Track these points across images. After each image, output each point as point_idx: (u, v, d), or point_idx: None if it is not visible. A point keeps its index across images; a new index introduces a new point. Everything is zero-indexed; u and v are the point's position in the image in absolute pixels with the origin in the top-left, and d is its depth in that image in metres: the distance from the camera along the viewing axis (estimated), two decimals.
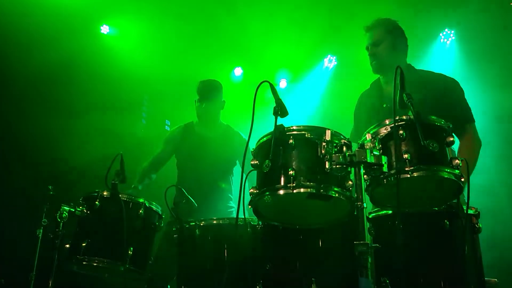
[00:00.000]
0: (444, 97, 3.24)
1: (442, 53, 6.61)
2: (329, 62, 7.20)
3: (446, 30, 6.59)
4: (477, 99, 5.75)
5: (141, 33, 6.49)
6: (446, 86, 3.34)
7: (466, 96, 3.36)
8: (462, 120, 3.25)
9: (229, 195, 4.31)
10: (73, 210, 2.90)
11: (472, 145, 3.23)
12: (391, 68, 3.40)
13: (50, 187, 3.40)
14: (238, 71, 7.27)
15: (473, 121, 3.31)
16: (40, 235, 3.24)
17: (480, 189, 4.67)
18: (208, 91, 4.25)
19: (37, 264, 3.19)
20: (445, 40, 6.63)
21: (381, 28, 3.55)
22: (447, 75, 3.48)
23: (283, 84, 7.12)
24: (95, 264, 2.88)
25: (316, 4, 6.12)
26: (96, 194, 2.99)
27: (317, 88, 7.04)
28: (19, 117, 5.22)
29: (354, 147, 2.26)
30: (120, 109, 6.12)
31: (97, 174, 3.36)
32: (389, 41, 3.53)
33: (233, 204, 4.26)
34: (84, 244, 2.88)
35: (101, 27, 6.43)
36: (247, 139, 2.40)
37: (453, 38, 6.59)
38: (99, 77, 5.93)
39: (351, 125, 3.80)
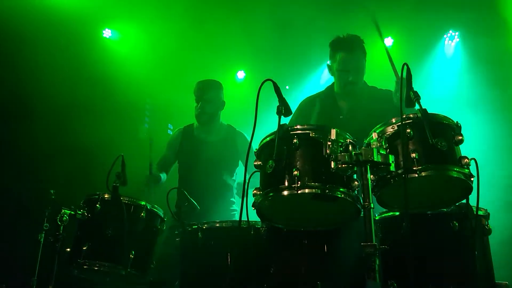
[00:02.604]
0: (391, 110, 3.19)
1: (447, 54, 6.56)
2: None
3: (451, 31, 6.54)
4: (481, 100, 5.74)
5: (143, 36, 6.48)
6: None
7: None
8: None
9: (232, 198, 4.25)
10: (74, 213, 2.85)
11: None
12: (356, 90, 3.52)
13: (52, 191, 3.37)
14: (241, 74, 7.25)
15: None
16: (42, 240, 3.20)
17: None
18: (204, 91, 4.18)
19: (39, 269, 3.14)
20: (450, 41, 6.57)
21: (362, 52, 3.50)
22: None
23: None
24: (96, 268, 2.84)
25: (318, 6, 6.10)
26: (97, 196, 2.96)
27: (320, 89, 7.00)
28: (20, 120, 5.20)
29: None
30: (123, 112, 6.10)
31: (98, 177, 3.32)
32: (364, 67, 3.52)
33: (236, 206, 4.20)
34: (85, 248, 2.84)
35: (104, 31, 6.42)
36: (249, 139, 2.35)
37: (458, 40, 6.53)
38: (102, 81, 5.92)
39: None
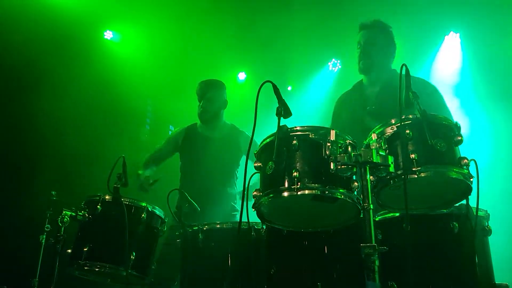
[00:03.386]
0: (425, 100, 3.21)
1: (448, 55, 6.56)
2: (334, 66, 7.19)
3: (452, 32, 6.54)
4: (481, 101, 5.74)
5: (144, 38, 6.50)
6: (426, 91, 3.30)
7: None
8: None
9: (233, 199, 4.25)
10: (75, 214, 2.85)
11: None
12: (377, 70, 3.51)
13: (53, 192, 3.38)
14: (242, 76, 7.27)
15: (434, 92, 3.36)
16: (43, 241, 3.21)
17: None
18: (205, 90, 4.20)
19: (40, 270, 3.15)
20: (449, 42, 6.57)
21: (377, 30, 3.56)
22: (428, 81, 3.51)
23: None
24: (97, 269, 2.84)
25: (319, 8, 6.10)
26: (98, 198, 2.95)
27: (321, 91, 7.02)
28: (21, 122, 5.21)
29: None
30: (124, 114, 6.11)
31: (99, 178, 3.33)
32: (382, 43, 3.55)
33: (237, 207, 4.20)
34: (86, 249, 2.83)
35: (105, 33, 6.44)
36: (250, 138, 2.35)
37: (459, 40, 6.53)
38: (103, 82, 5.93)
39: None
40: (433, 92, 3.39)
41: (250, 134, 2.33)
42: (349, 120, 3.50)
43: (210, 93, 4.20)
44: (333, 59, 7.17)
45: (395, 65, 3.61)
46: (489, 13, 5.87)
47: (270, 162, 2.22)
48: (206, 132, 4.30)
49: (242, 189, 2.38)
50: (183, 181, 4.22)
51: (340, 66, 7.16)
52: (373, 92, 3.53)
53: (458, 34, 6.51)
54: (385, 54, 3.56)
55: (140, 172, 3.95)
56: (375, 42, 3.51)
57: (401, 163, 2.13)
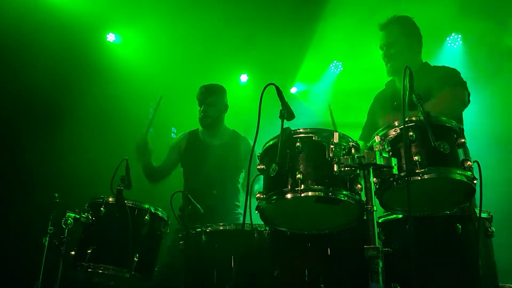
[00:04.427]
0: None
1: (449, 57, 6.56)
2: (335, 68, 7.20)
3: (453, 34, 6.54)
4: (483, 103, 5.74)
5: (147, 40, 6.50)
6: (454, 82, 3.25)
7: (472, 99, 3.30)
8: (441, 82, 3.18)
9: (236, 202, 4.26)
10: (78, 216, 2.86)
11: (439, 104, 3.03)
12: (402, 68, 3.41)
13: (56, 194, 3.37)
14: (244, 78, 7.28)
15: (456, 85, 3.19)
16: (46, 243, 3.21)
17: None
18: (206, 95, 4.20)
19: (43, 272, 3.15)
20: (452, 44, 6.57)
21: (396, 28, 3.48)
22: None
23: (293, 89, 7.16)
24: (100, 271, 2.84)
25: (319, 9, 6.11)
26: (101, 200, 2.96)
27: (323, 93, 7.03)
28: (24, 124, 5.22)
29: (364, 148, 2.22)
30: (126, 116, 6.11)
31: (103, 181, 3.33)
32: (403, 41, 3.47)
33: (241, 210, 4.21)
34: (89, 251, 2.84)
35: (107, 35, 6.45)
36: (253, 144, 2.36)
37: (460, 42, 6.53)
38: (105, 85, 5.93)
39: (357, 129, 3.74)
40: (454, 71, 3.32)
41: (252, 140, 2.33)
42: (380, 114, 3.50)
43: (211, 98, 4.19)
44: (335, 61, 7.17)
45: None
46: (491, 14, 5.87)
47: (273, 165, 2.22)
48: (208, 138, 4.30)
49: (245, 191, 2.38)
50: (186, 187, 4.22)
51: (341, 68, 7.16)
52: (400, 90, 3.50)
53: (459, 36, 6.53)
54: (409, 51, 3.47)
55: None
56: (394, 43, 3.44)
57: (404, 165, 2.13)
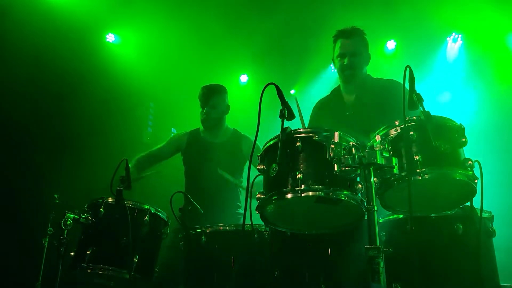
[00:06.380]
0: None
1: (450, 56, 6.56)
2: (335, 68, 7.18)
3: (454, 34, 6.54)
4: (484, 102, 5.74)
5: (146, 41, 6.51)
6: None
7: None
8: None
9: (237, 202, 4.25)
10: (78, 217, 2.85)
11: None
12: (357, 80, 3.55)
13: (56, 195, 3.37)
14: (244, 78, 7.27)
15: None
16: (46, 244, 3.20)
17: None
18: (208, 97, 4.19)
19: (43, 273, 3.14)
20: (453, 44, 6.57)
21: (360, 39, 3.57)
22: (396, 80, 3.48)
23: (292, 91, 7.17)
24: (100, 272, 2.83)
25: (320, 10, 6.11)
26: (101, 200, 2.95)
27: (323, 94, 7.00)
28: (23, 124, 5.22)
29: None
30: (126, 116, 6.12)
31: (102, 181, 3.33)
32: (365, 54, 3.58)
33: (242, 211, 4.20)
34: (89, 252, 2.82)
35: (107, 36, 6.46)
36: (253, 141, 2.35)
37: (461, 42, 6.53)
38: (105, 85, 5.94)
39: None
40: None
41: (252, 138, 2.32)
42: (330, 123, 3.52)
43: (214, 100, 4.18)
44: None
45: (399, 67, 3.58)
46: (491, 13, 5.87)
47: (273, 164, 2.21)
48: (209, 137, 4.30)
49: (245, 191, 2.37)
50: (187, 186, 4.22)
51: None
52: (351, 99, 3.58)
53: (460, 36, 6.53)
54: (365, 64, 3.60)
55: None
56: (358, 54, 3.51)
57: (405, 165, 2.13)
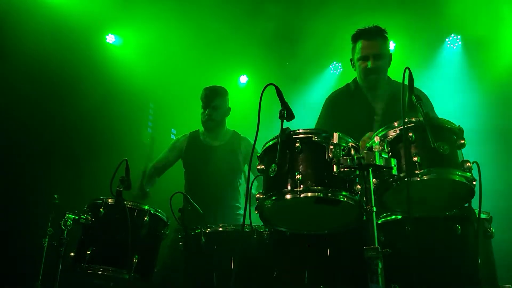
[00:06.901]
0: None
1: (449, 58, 6.57)
2: (335, 69, 7.21)
3: (453, 35, 6.55)
4: (483, 104, 5.75)
5: (146, 41, 6.51)
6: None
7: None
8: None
9: (237, 203, 4.26)
10: (78, 217, 2.86)
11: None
12: (382, 83, 3.39)
13: (55, 195, 3.37)
14: (243, 79, 7.28)
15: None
16: (46, 244, 3.20)
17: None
18: (211, 98, 4.20)
19: (43, 274, 3.14)
20: (452, 45, 6.58)
21: (384, 40, 3.35)
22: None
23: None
24: (100, 272, 2.83)
25: (320, 10, 6.12)
26: (101, 201, 2.96)
27: (323, 94, 7.01)
28: (23, 125, 5.22)
29: None
30: (126, 117, 6.12)
31: (102, 182, 3.33)
32: (389, 56, 3.41)
33: (241, 211, 4.21)
34: (88, 252, 2.83)
35: (107, 37, 6.46)
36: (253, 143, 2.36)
37: (460, 43, 6.54)
38: (105, 86, 5.94)
39: None
40: (425, 97, 3.25)
41: (252, 140, 2.33)
42: (351, 124, 3.35)
43: (216, 101, 4.20)
44: (334, 62, 7.18)
45: (399, 69, 3.56)
46: (490, 15, 5.88)
47: (273, 165, 2.23)
48: (209, 139, 4.31)
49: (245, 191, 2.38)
50: (187, 188, 4.23)
51: (341, 69, 7.17)
52: (379, 103, 3.39)
53: (459, 37, 6.53)
54: (388, 65, 3.42)
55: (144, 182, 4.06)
56: (383, 56, 3.32)
57: (404, 166, 2.13)
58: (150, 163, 4.23)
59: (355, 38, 3.40)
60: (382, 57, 3.32)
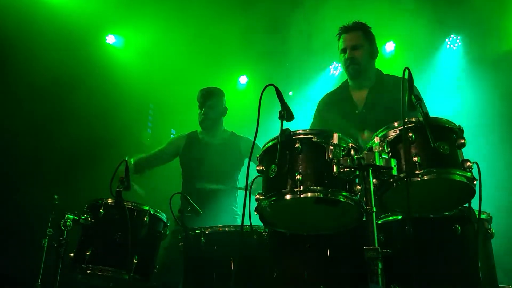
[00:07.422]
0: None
1: (449, 58, 6.57)
2: (335, 69, 7.21)
3: (452, 35, 6.55)
4: (483, 104, 5.74)
5: (146, 42, 6.52)
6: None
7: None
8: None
9: (234, 205, 4.26)
10: (77, 218, 2.86)
11: None
12: (365, 75, 3.48)
13: (55, 196, 3.37)
14: (243, 80, 7.29)
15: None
16: (46, 245, 3.21)
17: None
18: (206, 98, 4.26)
19: (42, 274, 3.15)
20: (452, 45, 6.58)
21: (361, 32, 3.51)
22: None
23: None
24: (99, 272, 2.83)
25: (320, 11, 6.12)
26: (100, 201, 2.96)
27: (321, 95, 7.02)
28: (23, 126, 5.22)
29: None
30: (126, 118, 6.12)
31: (102, 182, 3.33)
32: (367, 47, 3.51)
33: (238, 211, 4.22)
34: (88, 253, 2.83)
35: (107, 37, 6.47)
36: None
37: (459, 43, 6.54)
38: (105, 86, 5.95)
39: None
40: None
41: (251, 139, 2.33)
42: (339, 119, 3.47)
43: (211, 100, 4.27)
44: (334, 63, 7.19)
45: (399, 69, 3.58)
46: (490, 15, 5.88)
47: (272, 166, 2.22)
48: (207, 138, 4.35)
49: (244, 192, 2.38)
50: (184, 186, 4.23)
51: (341, 70, 7.17)
52: (361, 96, 3.52)
53: (459, 37, 6.53)
54: (370, 58, 3.53)
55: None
56: (359, 47, 3.45)
57: (404, 166, 2.13)
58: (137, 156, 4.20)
59: (338, 35, 3.59)
60: (358, 48, 3.47)
